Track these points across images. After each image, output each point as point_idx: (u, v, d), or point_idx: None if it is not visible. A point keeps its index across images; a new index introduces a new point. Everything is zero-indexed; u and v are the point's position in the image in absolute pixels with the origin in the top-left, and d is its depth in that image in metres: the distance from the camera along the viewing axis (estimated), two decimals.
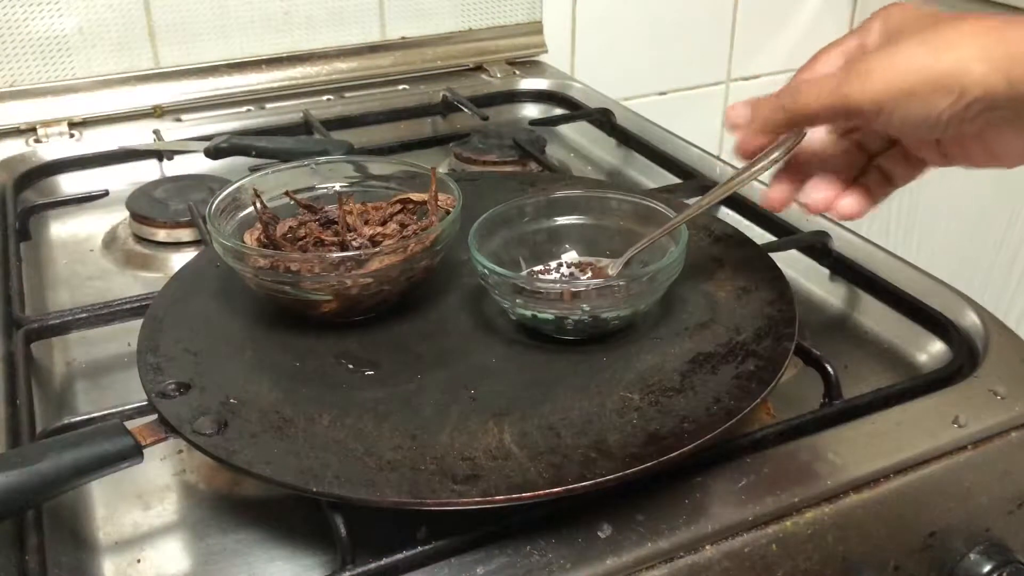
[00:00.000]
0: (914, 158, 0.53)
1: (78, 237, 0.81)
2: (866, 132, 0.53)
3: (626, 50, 1.26)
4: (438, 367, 0.54)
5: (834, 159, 0.53)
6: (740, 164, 0.54)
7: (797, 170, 0.54)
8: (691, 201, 0.66)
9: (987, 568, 0.53)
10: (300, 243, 0.60)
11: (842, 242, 0.71)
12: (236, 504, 0.52)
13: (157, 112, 0.98)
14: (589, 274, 0.60)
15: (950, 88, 0.44)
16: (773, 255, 0.62)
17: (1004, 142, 0.47)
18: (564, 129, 1.03)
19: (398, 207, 0.62)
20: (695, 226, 0.64)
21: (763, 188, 0.57)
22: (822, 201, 0.53)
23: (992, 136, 0.47)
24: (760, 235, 0.73)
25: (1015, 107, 0.44)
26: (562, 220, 0.62)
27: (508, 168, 0.88)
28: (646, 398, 0.50)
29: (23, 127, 0.93)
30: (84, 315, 0.63)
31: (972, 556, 0.54)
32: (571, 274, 0.61)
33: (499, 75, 1.11)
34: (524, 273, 0.60)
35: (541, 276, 0.60)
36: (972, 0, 1.16)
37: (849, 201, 0.53)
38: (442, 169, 0.88)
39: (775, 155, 0.52)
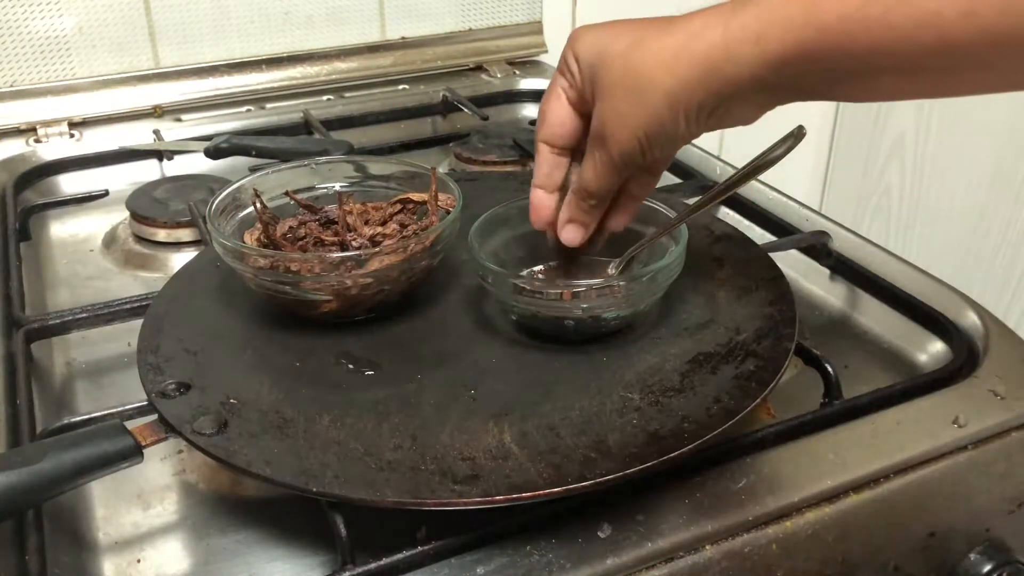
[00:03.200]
0: (657, 169, 0.55)
1: (78, 237, 0.81)
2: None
3: None
4: (438, 367, 0.54)
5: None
6: (734, 167, 0.54)
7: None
8: (691, 201, 0.66)
9: (987, 568, 0.53)
10: (300, 243, 0.60)
11: (842, 242, 0.71)
12: (236, 504, 0.52)
13: (157, 112, 0.99)
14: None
15: (676, 119, 0.46)
16: (773, 255, 0.62)
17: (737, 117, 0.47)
18: None
19: (398, 207, 0.62)
20: (695, 226, 0.64)
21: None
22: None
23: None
24: (760, 235, 0.73)
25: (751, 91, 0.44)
26: None
27: (508, 168, 0.88)
28: (646, 398, 0.50)
29: (23, 127, 0.93)
30: (84, 315, 0.63)
31: (972, 556, 0.54)
32: None
33: (499, 75, 1.11)
34: (524, 273, 0.60)
35: (541, 276, 0.60)
36: None
37: (616, 220, 0.56)
38: (442, 169, 0.88)
39: (775, 155, 0.52)
